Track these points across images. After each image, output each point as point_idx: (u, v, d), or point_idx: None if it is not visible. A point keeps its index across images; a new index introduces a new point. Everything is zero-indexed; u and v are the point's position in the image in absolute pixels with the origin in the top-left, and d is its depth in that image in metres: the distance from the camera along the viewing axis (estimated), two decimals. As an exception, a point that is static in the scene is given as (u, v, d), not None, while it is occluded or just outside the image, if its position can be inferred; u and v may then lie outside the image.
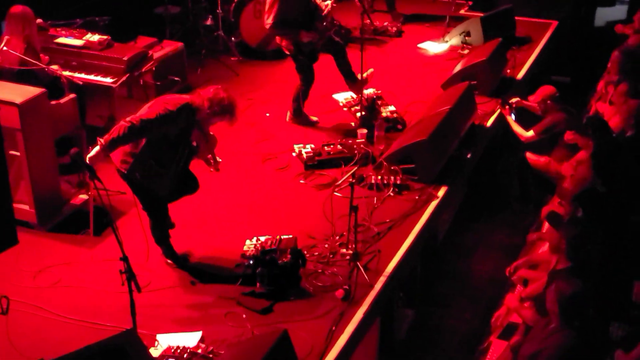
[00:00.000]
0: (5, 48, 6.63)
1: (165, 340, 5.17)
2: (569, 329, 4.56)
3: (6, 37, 6.76)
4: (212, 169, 6.02)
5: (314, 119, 8.15)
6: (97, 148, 5.38)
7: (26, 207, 6.32)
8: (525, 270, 6.08)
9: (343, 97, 8.69)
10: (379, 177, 6.97)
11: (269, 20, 7.57)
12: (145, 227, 5.79)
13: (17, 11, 6.78)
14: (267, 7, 7.60)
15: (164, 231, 5.94)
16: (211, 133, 5.87)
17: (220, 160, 6.05)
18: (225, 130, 6.15)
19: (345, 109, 8.49)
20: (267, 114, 8.27)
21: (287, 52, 7.81)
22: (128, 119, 5.46)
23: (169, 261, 6.00)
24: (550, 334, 4.65)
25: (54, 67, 6.92)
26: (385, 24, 10.75)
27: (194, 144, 5.80)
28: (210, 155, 5.95)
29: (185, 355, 5.00)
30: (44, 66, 6.75)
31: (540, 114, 7.81)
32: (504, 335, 5.72)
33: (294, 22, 7.57)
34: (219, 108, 5.61)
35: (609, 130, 6.79)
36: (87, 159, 5.30)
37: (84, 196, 6.70)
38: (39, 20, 7.16)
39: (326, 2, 7.81)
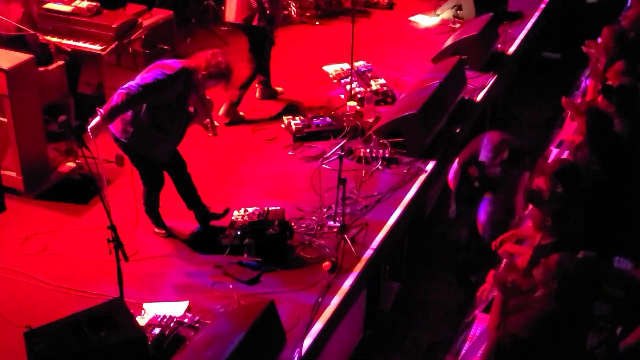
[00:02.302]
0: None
1: (152, 309, 5.18)
2: (561, 301, 4.55)
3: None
4: (210, 134, 5.99)
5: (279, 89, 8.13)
6: (97, 119, 5.32)
7: (13, 174, 6.28)
8: (511, 245, 6.09)
9: (333, 69, 8.66)
10: (368, 150, 6.97)
11: None
12: (136, 196, 5.77)
13: None
14: None
15: (156, 201, 5.93)
16: (207, 97, 5.85)
17: (217, 124, 6.03)
18: (216, 101, 6.12)
19: (335, 80, 8.48)
20: (257, 85, 8.22)
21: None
22: (126, 85, 5.39)
23: (157, 230, 6.00)
24: (536, 301, 4.67)
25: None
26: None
27: (191, 109, 5.77)
28: (207, 120, 5.93)
29: (171, 325, 5.01)
30: (35, 32, 6.67)
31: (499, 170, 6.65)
32: (488, 309, 5.75)
33: None
34: (216, 71, 5.58)
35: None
36: (89, 130, 5.27)
37: (71, 164, 6.67)
38: (26, -15, 7.06)
39: None
